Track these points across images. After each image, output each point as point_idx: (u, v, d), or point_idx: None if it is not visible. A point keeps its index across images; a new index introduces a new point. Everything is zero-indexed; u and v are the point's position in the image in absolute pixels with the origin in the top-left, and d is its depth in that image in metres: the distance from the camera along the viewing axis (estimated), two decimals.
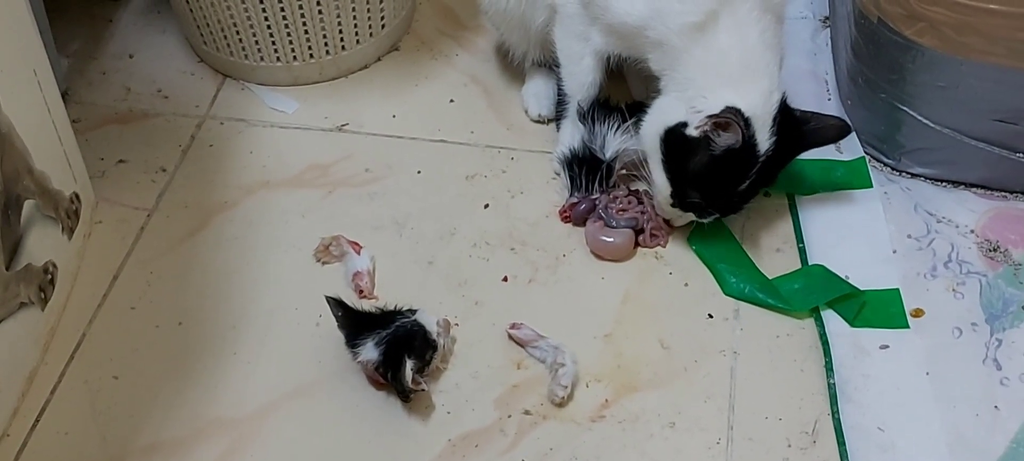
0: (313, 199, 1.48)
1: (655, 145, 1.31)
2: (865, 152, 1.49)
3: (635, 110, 1.43)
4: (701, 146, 1.26)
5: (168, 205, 1.48)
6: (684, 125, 1.26)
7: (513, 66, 1.64)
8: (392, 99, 1.65)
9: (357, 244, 1.39)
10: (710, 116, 1.23)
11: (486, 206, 1.47)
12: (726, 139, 1.24)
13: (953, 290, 1.33)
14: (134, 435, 1.22)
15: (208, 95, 1.66)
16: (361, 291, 1.35)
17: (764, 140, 1.26)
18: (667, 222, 1.40)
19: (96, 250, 1.42)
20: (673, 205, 1.34)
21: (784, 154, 1.30)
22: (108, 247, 1.42)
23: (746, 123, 1.23)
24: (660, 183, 1.33)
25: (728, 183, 1.29)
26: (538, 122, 1.58)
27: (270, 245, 1.42)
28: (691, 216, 1.35)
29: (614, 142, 1.43)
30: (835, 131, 1.35)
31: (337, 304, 1.25)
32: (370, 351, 1.21)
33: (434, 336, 1.24)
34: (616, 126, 1.44)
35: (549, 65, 1.54)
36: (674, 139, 1.28)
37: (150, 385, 1.27)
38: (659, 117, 1.30)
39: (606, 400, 1.24)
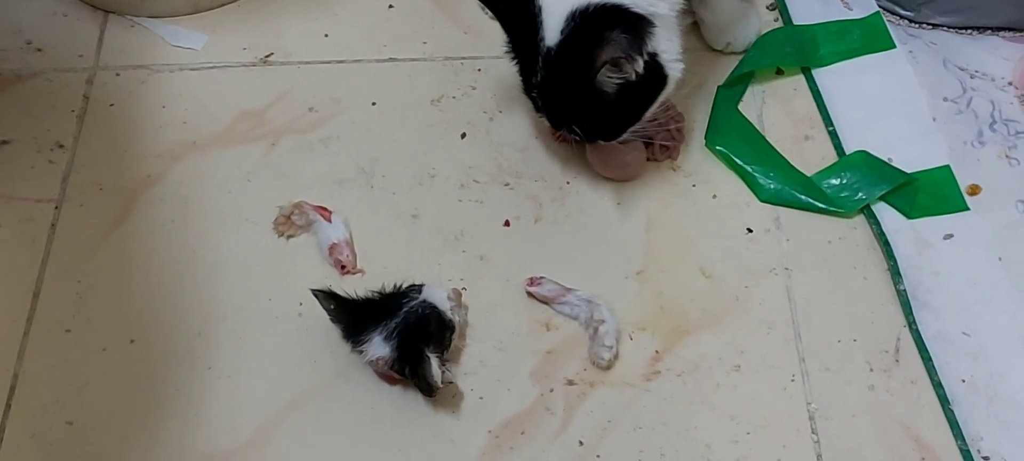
0: (255, 156, 1.25)
1: None
2: (879, 5, 1.33)
3: None
4: None
5: (77, 190, 1.22)
6: None
7: None
8: (320, 15, 1.38)
9: (325, 209, 1.17)
10: None
11: (463, 135, 1.26)
12: None
13: (1006, 156, 1.20)
14: None
15: (91, 40, 1.37)
16: (343, 266, 1.15)
17: (550, 30, 1.04)
18: (678, 129, 1.22)
19: (4, 263, 1.16)
20: None
21: (572, 78, 1.05)
22: (18, 257, 1.17)
23: None
24: None
25: (521, 59, 1.10)
26: None
27: (218, 223, 1.19)
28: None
29: None
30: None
31: (327, 296, 1.05)
32: (380, 347, 1.02)
33: (449, 314, 1.05)
34: None
35: None
36: None
37: (115, 425, 1.05)
38: None
39: (657, 352, 1.09)
